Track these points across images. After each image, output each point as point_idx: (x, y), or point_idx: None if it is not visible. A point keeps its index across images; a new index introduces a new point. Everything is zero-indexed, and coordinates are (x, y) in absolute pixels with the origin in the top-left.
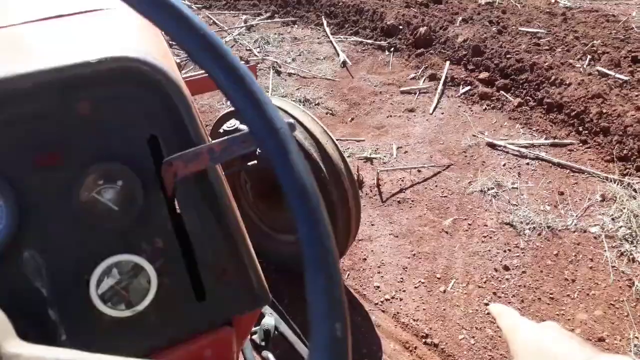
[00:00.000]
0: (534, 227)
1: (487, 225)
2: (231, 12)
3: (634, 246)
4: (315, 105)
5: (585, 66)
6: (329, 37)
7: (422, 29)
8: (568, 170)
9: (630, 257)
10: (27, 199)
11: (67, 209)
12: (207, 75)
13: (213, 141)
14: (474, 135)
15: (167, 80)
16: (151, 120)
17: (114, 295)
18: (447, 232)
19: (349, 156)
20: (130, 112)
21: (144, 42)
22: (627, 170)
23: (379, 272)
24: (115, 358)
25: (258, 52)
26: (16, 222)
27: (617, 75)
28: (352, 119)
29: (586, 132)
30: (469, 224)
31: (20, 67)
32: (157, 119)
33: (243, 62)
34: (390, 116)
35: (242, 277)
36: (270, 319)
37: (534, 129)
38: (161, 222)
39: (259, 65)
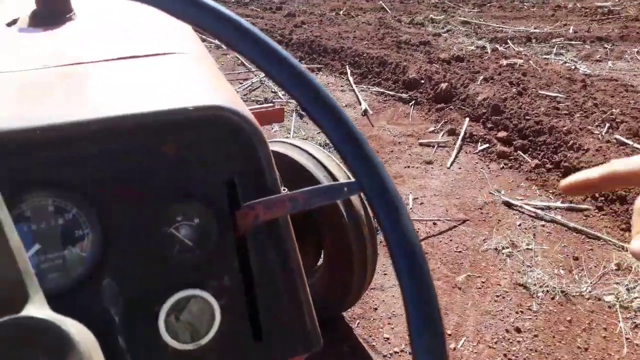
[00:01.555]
0: (548, 291)
1: (500, 285)
2: None
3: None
4: (335, 151)
5: (603, 133)
6: (351, 86)
7: (444, 85)
8: (584, 236)
9: None
10: (109, 229)
11: (146, 242)
12: (266, 109)
13: (296, 191)
14: (490, 193)
15: (250, 127)
16: (230, 164)
17: (179, 328)
18: (459, 288)
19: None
20: (212, 155)
21: (221, 88)
22: None
23: (389, 324)
24: None
25: (282, 95)
26: (101, 251)
27: (635, 145)
28: None
29: (603, 198)
30: (482, 282)
31: (124, 108)
32: (236, 164)
33: (269, 103)
34: (408, 167)
35: (299, 320)
36: None
37: (551, 191)
38: (230, 261)
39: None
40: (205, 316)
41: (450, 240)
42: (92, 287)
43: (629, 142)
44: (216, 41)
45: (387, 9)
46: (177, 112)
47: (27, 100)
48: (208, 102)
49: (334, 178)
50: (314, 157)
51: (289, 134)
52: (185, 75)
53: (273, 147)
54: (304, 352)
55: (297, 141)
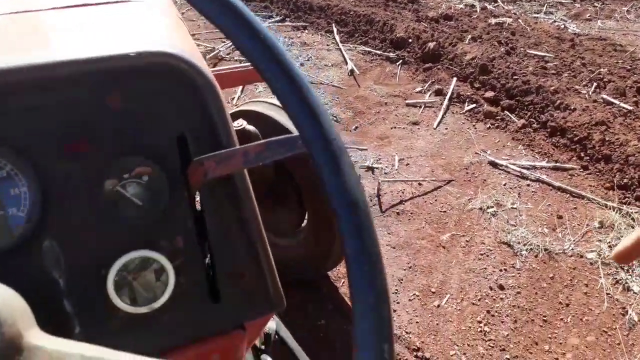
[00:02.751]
0: (531, 249)
1: (484, 243)
2: None
3: (629, 275)
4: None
5: (590, 93)
6: (338, 45)
7: (431, 44)
8: (568, 195)
9: (625, 285)
10: (51, 186)
11: (91, 200)
12: (238, 70)
13: (248, 144)
14: (476, 153)
15: (202, 78)
16: (181, 117)
17: (130, 291)
18: (444, 247)
19: None
20: (161, 108)
21: (176, 37)
22: (626, 199)
23: None
24: (137, 357)
25: None
26: (39, 210)
27: (622, 105)
28: (356, 127)
29: (588, 158)
30: (467, 241)
31: (57, 55)
32: (187, 117)
33: None
34: (394, 127)
35: (259, 281)
36: (271, 323)
37: (536, 151)
38: (183, 221)
39: None
40: (158, 278)
41: (435, 200)
42: (32, 248)
43: (616, 101)
44: None
45: None
46: (120, 59)
47: None
48: (152, 47)
49: None
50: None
51: (273, 96)
52: (138, 23)
53: (255, 107)
54: (265, 314)
55: (277, 101)
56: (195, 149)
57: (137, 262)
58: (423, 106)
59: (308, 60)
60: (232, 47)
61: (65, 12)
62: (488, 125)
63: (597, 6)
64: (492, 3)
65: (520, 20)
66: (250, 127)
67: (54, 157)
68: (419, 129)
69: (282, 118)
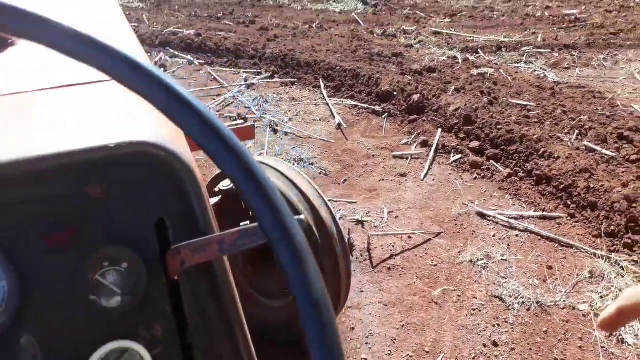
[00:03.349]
0: (523, 302)
1: (476, 298)
2: (232, 69)
3: (623, 327)
4: (309, 164)
5: (573, 140)
6: (325, 99)
7: (416, 96)
8: (557, 244)
9: (620, 338)
10: (30, 279)
11: (70, 292)
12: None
13: (223, 232)
14: (464, 204)
15: (183, 166)
16: (161, 203)
17: None
18: (436, 303)
19: (340, 218)
20: (140, 195)
21: (155, 121)
22: (614, 246)
23: (367, 343)
24: None
25: (256, 110)
26: (16, 305)
27: (604, 151)
28: (345, 180)
29: (574, 206)
30: (459, 296)
31: (36, 149)
32: (166, 203)
33: (241, 119)
34: (383, 180)
35: None
36: None
37: (523, 200)
38: (162, 308)
39: (256, 123)
40: None
41: (426, 254)
42: (9, 343)
43: (598, 148)
44: (189, 56)
45: (360, 21)
46: (99, 150)
47: None
48: (133, 137)
49: (304, 196)
50: (284, 175)
51: (263, 149)
52: (115, 104)
53: None
54: None
55: (267, 159)
56: (174, 235)
57: (116, 353)
58: (410, 158)
59: (297, 115)
60: (222, 104)
61: (47, 94)
62: (474, 176)
63: (574, 55)
64: (474, 54)
65: (501, 71)
66: None
67: (33, 250)
68: (406, 180)
69: (274, 178)
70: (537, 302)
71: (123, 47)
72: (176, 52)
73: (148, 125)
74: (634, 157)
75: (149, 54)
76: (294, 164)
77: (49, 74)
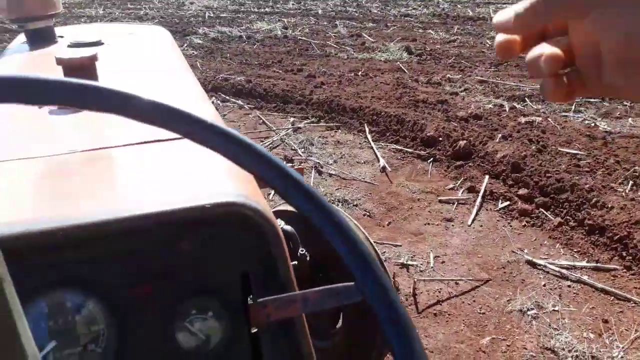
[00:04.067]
0: (577, 356)
1: (526, 349)
2: (280, 114)
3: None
4: (353, 206)
5: (627, 191)
6: (370, 143)
7: (462, 142)
8: (612, 297)
9: None
10: (125, 326)
11: (161, 336)
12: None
13: (309, 290)
14: (513, 252)
15: (267, 224)
16: (245, 259)
17: None
18: (484, 352)
19: (385, 260)
20: (227, 249)
21: (240, 181)
22: None
23: None
24: None
25: (302, 152)
26: (116, 347)
27: None
28: (389, 223)
29: (630, 258)
30: (508, 345)
31: (140, 207)
32: (251, 259)
33: (287, 161)
34: (428, 224)
35: None
36: None
37: (575, 250)
38: (244, 356)
39: (302, 164)
40: None
41: (474, 301)
42: None
43: None
44: (239, 101)
45: (405, 70)
46: (193, 210)
47: (46, 194)
48: (223, 198)
49: None
50: None
51: None
52: (201, 163)
53: (287, 207)
54: None
55: None
56: (256, 289)
57: None
58: (456, 203)
59: (341, 157)
60: (270, 146)
61: (134, 149)
62: (523, 223)
63: (626, 104)
64: (521, 103)
65: (549, 119)
66: (288, 227)
67: (129, 299)
68: (453, 225)
69: None
70: (593, 357)
71: (219, 122)
72: (227, 97)
73: (229, 182)
74: None
75: None
76: (338, 205)
77: (121, 131)
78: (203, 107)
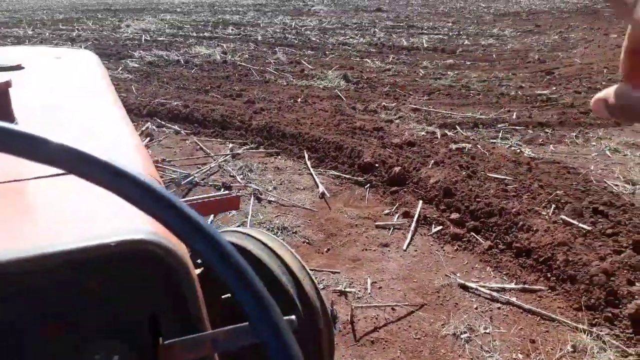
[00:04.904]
0: None
1: None
2: (219, 139)
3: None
4: (292, 233)
5: (550, 214)
6: (309, 170)
7: (397, 169)
8: (539, 317)
9: None
10: None
11: None
12: (190, 203)
13: (217, 330)
14: (446, 275)
15: (178, 263)
16: (155, 298)
17: None
18: None
19: (323, 288)
20: (136, 289)
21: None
22: (595, 320)
23: None
24: None
25: (241, 179)
26: None
27: (581, 225)
28: (328, 249)
29: (554, 278)
30: None
31: (39, 247)
32: (160, 298)
33: (225, 188)
34: (366, 249)
35: None
36: None
37: (504, 272)
38: None
39: (240, 191)
40: None
41: (410, 327)
42: None
43: (574, 222)
44: (176, 126)
45: (342, 97)
46: (100, 249)
47: None
48: (131, 235)
49: (288, 268)
50: (267, 247)
51: (247, 218)
52: (112, 197)
53: (227, 237)
54: None
55: (251, 230)
56: (166, 330)
57: None
58: (392, 228)
59: (281, 184)
60: (207, 172)
61: (44, 183)
62: (455, 247)
63: (547, 132)
64: (452, 130)
65: (479, 146)
66: None
67: (32, 339)
68: (389, 250)
69: (257, 250)
70: None
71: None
72: (163, 122)
73: (142, 218)
74: (609, 230)
75: (135, 123)
76: (277, 233)
77: (28, 164)
78: (119, 134)
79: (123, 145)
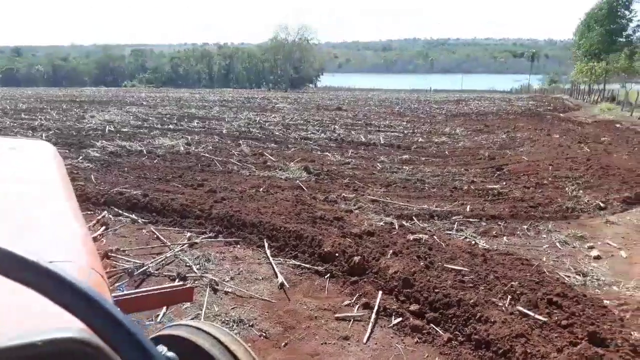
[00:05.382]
0: None
1: None
2: (177, 229)
3: None
4: (249, 326)
5: (507, 305)
6: (268, 259)
7: (356, 258)
8: None
9: None
10: None
11: None
12: (141, 295)
13: None
14: None
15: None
16: None
17: None
18: None
19: None
20: None
21: None
22: None
23: None
24: None
25: (197, 269)
26: None
27: (537, 316)
28: (286, 344)
29: None
30: None
31: None
32: None
33: (180, 279)
34: (325, 343)
35: None
36: None
37: None
38: None
39: (196, 282)
40: None
41: None
42: None
43: (530, 313)
44: (133, 215)
45: (304, 187)
46: (25, 349)
47: None
48: (60, 334)
49: None
50: (220, 342)
51: (201, 310)
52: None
53: (177, 331)
54: None
55: (203, 324)
56: None
57: None
58: (352, 320)
59: (239, 274)
60: (162, 262)
61: None
62: (415, 340)
63: (500, 224)
64: (409, 221)
65: (435, 237)
66: (171, 354)
67: None
68: (349, 344)
69: (206, 344)
70: None
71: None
72: (120, 211)
73: (70, 316)
74: (564, 322)
75: (91, 212)
76: (232, 326)
77: None
78: (66, 223)
79: (66, 237)
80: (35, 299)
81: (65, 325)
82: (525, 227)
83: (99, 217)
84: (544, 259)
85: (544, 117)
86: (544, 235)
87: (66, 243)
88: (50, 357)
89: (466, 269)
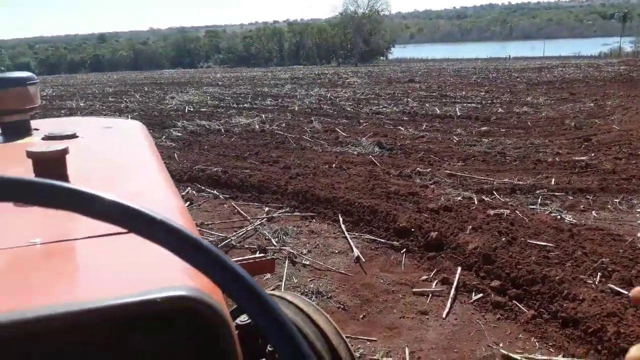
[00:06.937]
0: None
1: None
2: (255, 204)
3: None
4: (327, 298)
5: (597, 282)
6: (344, 233)
7: (434, 234)
8: None
9: None
10: None
11: None
12: (249, 261)
13: None
14: (488, 346)
15: (220, 321)
16: (196, 355)
17: None
18: None
19: (359, 357)
20: (177, 345)
21: (195, 273)
22: None
23: None
24: None
25: (276, 242)
26: None
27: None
28: (364, 316)
29: (606, 351)
30: None
31: (83, 302)
32: (201, 355)
33: (261, 251)
34: (403, 317)
35: None
36: None
37: (550, 344)
38: None
39: (275, 254)
40: None
41: None
42: None
43: (624, 291)
44: (215, 191)
45: (377, 163)
46: (141, 305)
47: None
48: (173, 292)
49: (322, 333)
50: (302, 311)
51: (281, 281)
52: (156, 254)
53: None
54: None
55: (285, 294)
56: None
57: None
58: (430, 295)
59: (315, 247)
60: (243, 236)
61: (90, 242)
62: (498, 316)
63: (589, 198)
64: (489, 196)
65: (517, 212)
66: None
67: None
68: (428, 319)
69: (291, 314)
70: None
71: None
72: (203, 187)
73: (185, 274)
74: None
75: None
76: (311, 297)
77: (76, 224)
78: (164, 197)
79: (168, 208)
80: (146, 263)
81: (177, 284)
82: (617, 200)
83: (183, 193)
84: (639, 234)
85: (637, 83)
86: (639, 210)
87: (169, 213)
88: (163, 315)
89: (551, 245)
